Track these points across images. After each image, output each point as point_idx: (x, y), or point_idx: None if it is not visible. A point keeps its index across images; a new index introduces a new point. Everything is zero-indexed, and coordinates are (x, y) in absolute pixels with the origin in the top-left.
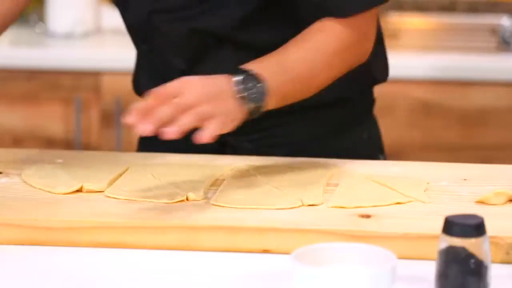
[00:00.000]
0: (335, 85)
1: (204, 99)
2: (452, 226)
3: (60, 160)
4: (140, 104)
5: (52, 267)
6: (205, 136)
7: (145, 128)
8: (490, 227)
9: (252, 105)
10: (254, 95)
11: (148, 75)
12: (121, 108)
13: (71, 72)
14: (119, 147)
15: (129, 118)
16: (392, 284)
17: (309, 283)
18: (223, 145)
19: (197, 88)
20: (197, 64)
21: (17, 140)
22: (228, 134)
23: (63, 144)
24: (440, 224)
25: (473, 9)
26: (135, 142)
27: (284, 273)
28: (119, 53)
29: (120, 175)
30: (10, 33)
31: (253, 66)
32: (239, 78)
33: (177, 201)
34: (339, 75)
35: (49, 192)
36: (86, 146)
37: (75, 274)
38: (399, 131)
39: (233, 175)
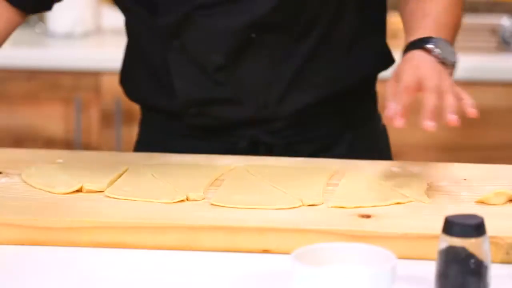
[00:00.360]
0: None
1: (440, 76)
2: (452, 226)
3: (60, 160)
4: (397, 103)
5: (52, 267)
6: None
7: (430, 125)
8: (490, 227)
9: (450, 63)
10: (448, 54)
11: (177, 71)
12: (121, 108)
13: (71, 72)
14: (119, 147)
15: (399, 123)
16: (392, 284)
17: (309, 283)
18: (255, 144)
19: (429, 69)
20: (236, 58)
21: (17, 140)
22: (261, 133)
23: (63, 144)
24: (440, 224)
25: (473, 9)
26: (135, 142)
27: (284, 273)
28: (119, 53)
29: (120, 175)
30: None
31: (422, 34)
32: (430, 45)
33: (177, 201)
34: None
35: (49, 192)
36: (86, 146)
37: (75, 274)
38: (399, 131)
39: (233, 175)
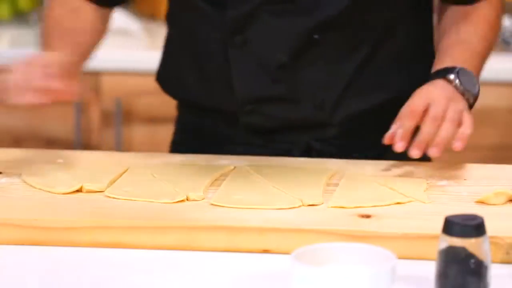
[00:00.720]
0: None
1: (449, 103)
2: (452, 226)
3: (60, 160)
4: (401, 128)
5: (52, 267)
6: (465, 137)
7: (414, 154)
8: (490, 227)
9: (471, 95)
10: (469, 86)
11: (237, 67)
12: (121, 108)
13: None
14: (119, 147)
15: (398, 146)
16: (392, 284)
17: (309, 283)
18: (308, 151)
19: (439, 95)
20: (297, 58)
21: (17, 140)
22: (314, 139)
23: (63, 144)
24: (440, 224)
25: None
26: (135, 142)
27: (284, 273)
28: (119, 53)
29: (120, 175)
30: (10, 33)
31: (449, 62)
32: (451, 76)
33: (177, 201)
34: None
35: (49, 192)
36: (86, 146)
37: (75, 274)
38: None
39: (233, 175)
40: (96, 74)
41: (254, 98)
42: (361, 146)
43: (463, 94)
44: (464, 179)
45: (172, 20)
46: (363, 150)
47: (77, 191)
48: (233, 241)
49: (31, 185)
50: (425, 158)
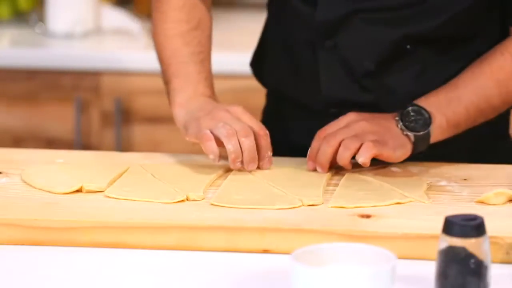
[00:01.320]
0: None
1: (354, 130)
2: (452, 226)
3: (60, 160)
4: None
5: (52, 267)
6: (364, 156)
7: (309, 166)
8: (490, 227)
9: (412, 134)
10: (413, 125)
11: (325, 70)
12: (121, 108)
13: (71, 72)
14: (119, 147)
15: (308, 164)
16: (392, 284)
17: (309, 283)
18: None
19: (361, 121)
20: (386, 66)
21: (17, 140)
22: None
23: (63, 144)
24: (440, 224)
25: None
26: (135, 142)
27: (284, 273)
28: (119, 53)
29: (120, 175)
30: (10, 33)
31: (421, 101)
32: (400, 111)
33: (177, 201)
34: None
35: (49, 192)
36: (86, 146)
37: (75, 274)
38: None
39: (233, 175)
40: (96, 74)
41: (339, 102)
42: (439, 153)
43: (401, 130)
44: (464, 179)
45: (270, 9)
46: (443, 156)
47: (77, 191)
48: (233, 241)
49: (31, 185)
50: (426, 159)
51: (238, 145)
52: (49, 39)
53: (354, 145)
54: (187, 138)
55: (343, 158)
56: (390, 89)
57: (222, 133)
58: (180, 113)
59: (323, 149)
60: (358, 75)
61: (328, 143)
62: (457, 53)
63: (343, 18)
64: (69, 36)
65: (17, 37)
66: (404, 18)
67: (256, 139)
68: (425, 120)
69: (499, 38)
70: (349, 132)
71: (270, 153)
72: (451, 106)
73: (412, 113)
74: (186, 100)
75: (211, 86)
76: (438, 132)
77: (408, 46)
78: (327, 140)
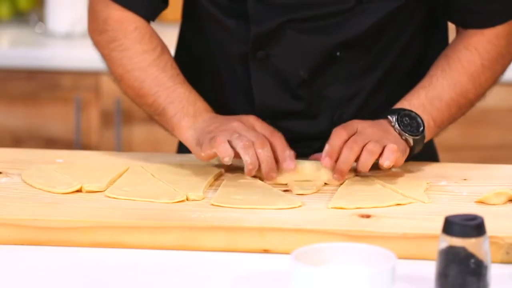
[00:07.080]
0: None
1: (372, 136)
2: (452, 226)
3: (60, 160)
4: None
5: (52, 267)
6: (389, 159)
7: (337, 178)
8: (490, 227)
9: (411, 138)
10: (409, 128)
11: (258, 81)
12: (121, 108)
13: (71, 72)
14: (119, 147)
15: (327, 162)
16: (392, 284)
17: (309, 283)
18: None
19: (366, 130)
20: (317, 74)
21: (17, 140)
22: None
23: (63, 144)
24: (440, 224)
25: None
26: (135, 142)
27: (284, 273)
28: None
29: (120, 175)
30: (10, 33)
31: (404, 104)
32: (394, 117)
33: (177, 201)
34: (490, 88)
35: (49, 192)
36: (86, 146)
37: (75, 274)
38: None
39: (233, 175)
40: (96, 74)
41: (273, 112)
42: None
43: (400, 135)
44: (464, 179)
45: (187, 23)
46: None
47: (77, 191)
48: (233, 241)
49: (31, 185)
50: (426, 158)
51: (256, 157)
52: (49, 39)
53: (378, 150)
54: (203, 154)
55: (367, 164)
56: (321, 96)
57: (238, 145)
58: (189, 133)
59: (346, 156)
60: (293, 84)
61: (351, 150)
62: (384, 58)
63: (275, 28)
64: (69, 36)
65: (17, 37)
66: (336, 26)
67: (271, 145)
68: (419, 123)
69: (421, 36)
70: (367, 138)
71: (288, 151)
72: (434, 106)
73: (406, 118)
74: (193, 121)
75: (205, 101)
76: (427, 133)
77: (338, 53)
78: (350, 146)
